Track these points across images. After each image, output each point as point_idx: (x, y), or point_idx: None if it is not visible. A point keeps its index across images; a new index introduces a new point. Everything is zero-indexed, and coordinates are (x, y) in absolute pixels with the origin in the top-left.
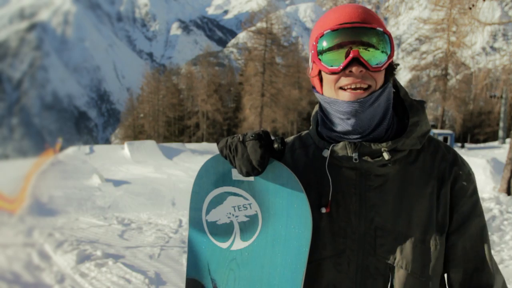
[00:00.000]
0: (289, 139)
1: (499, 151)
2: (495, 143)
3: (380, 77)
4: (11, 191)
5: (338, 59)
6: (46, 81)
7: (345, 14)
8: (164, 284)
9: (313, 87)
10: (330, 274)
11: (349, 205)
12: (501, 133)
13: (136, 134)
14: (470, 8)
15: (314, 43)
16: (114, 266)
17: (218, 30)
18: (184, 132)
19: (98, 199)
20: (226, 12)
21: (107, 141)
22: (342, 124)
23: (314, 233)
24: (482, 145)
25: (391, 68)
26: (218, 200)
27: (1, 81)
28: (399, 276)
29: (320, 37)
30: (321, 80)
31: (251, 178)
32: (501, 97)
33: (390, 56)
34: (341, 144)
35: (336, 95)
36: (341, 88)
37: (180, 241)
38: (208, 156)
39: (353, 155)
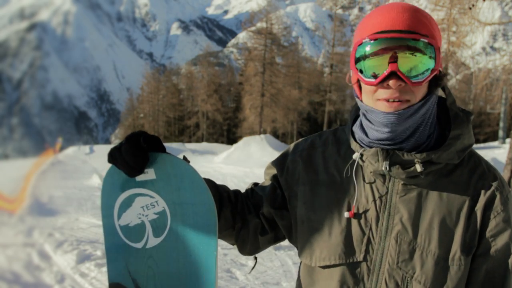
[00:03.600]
0: (325, 132)
1: (499, 151)
2: (495, 143)
3: (421, 91)
4: (11, 191)
5: (376, 70)
6: (46, 81)
7: (388, 19)
8: None
9: (355, 93)
10: (347, 279)
11: (373, 212)
12: (501, 133)
13: None
14: (470, 8)
15: (353, 51)
16: None
17: (218, 30)
18: (184, 132)
19: (98, 199)
20: (226, 12)
21: (107, 141)
22: (377, 131)
23: (335, 236)
24: (482, 145)
25: (436, 79)
26: (127, 203)
27: (1, 81)
28: None
29: (359, 45)
30: (360, 85)
31: (153, 176)
32: (499, 114)
33: (434, 70)
34: (373, 150)
35: (374, 104)
36: (378, 99)
37: None
38: (208, 156)
39: (384, 163)
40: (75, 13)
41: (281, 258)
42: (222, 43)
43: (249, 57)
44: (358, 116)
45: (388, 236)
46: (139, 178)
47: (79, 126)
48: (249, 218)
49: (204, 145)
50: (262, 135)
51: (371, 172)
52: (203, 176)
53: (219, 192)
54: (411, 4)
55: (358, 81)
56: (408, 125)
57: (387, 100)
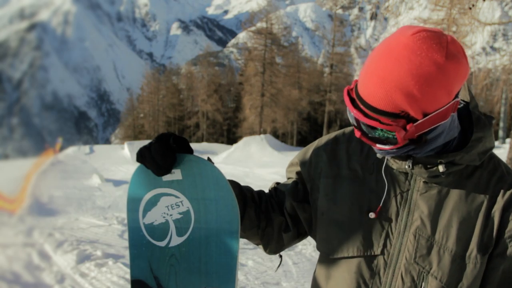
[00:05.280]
0: (349, 129)
1: (499, 151)
2: (495, 143)
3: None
4: (11, 191)
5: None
6: (46, 81)
7: (368, 87)
8: None
9: None
10: (363, 271)
11: (394, 208)
12: (501, 133)
13: (136, 134)
14: (470, 8)
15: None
16: (114, 266)
17: (218, 30)
18: (184, 132)
19: (98, 199)
20: (226, 12)
21: (107, 141)
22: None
23: (354, 229)
24: None
25: (449, 110)
26: (153, 202)
27: (1, 81)
28: (432, 286)
29: (352, 87)
30: None
31: (179, 177)
32: (499, 114)
33: (399, 143)
34: None
35: None
36: None
37: None
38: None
39: (407, 161)
40: (75, 13)
41: None
42: (222, 43)
43: (249, 57)
44: None
45: (407, 232)
46: (166, 178)
47: (79, 126)
48: (273, 216)
49: (204, 145)
50: (262, 135)
51: (392, 169)
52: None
53: (243, 192)
54: (401, 71)
55: None
56: (410, 149)
57: None
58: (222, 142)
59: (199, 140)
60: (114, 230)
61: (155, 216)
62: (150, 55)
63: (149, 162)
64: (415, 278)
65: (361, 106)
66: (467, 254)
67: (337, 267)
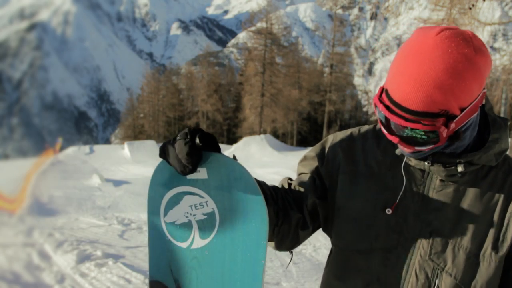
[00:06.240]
0: (364, 126)
1: None
2: None
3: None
4: (11, 191)
5: (387, 128)
6: (46, 81)
7: (404, 92)
8: None
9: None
10: (377, 267)
11: (410, 204)
12: None
13: (136, 134)
14: (470, 8)
15: (377, 94)
16: (114, 266)
17: (218, 30)
18: None
19: (98, 199)
20: (226, 12)
21: (107, 141)
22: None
23: (370, 224)
24: None
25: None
26: (175, 201)
27: (1, 81)
28: (446, 283)
29: (383, 90)
30: None
31: (205, 176)
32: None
33: (440, 142)
34: None
35: None
36: None
37: None
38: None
39: (427, 160)
40: (75, 13)
41: (281, 258)
42: (222, 43)
43: (249, 57)
44: None
45: (422, 228)
46: (190, 176)
47: (79, 126)
48: (291, 214)
49: None
50: (262, 135)
51: (410, 166)
52: None
53: (263, 190)
54: (437, 71)
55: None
56: (435, 150)
57: None
58: (222, 142)
59: None
60: (114, 230)
61: (177, 215)
62: (150, 55)
63: (172, 160)
64: (429, 275)
65: (399, 111)
66: (482, 252)
67: (351, 262)
